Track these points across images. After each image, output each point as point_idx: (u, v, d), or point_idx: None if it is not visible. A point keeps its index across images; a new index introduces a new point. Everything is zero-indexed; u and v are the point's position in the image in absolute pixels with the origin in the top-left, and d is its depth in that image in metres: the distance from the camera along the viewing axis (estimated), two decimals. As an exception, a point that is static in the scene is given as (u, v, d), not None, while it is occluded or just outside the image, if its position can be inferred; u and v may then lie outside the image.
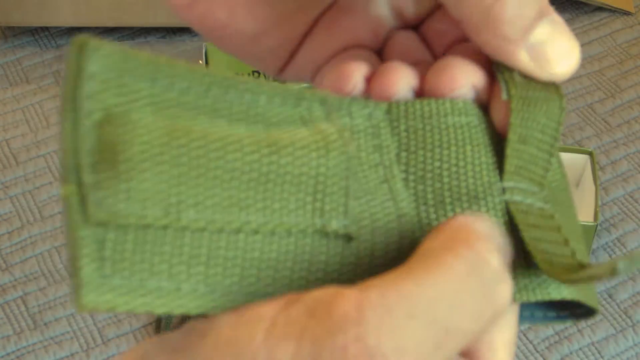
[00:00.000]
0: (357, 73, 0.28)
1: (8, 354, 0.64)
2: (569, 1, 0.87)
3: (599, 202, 0.66)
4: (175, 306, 0.22)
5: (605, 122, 0.78)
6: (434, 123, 0.27)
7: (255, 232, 0.24)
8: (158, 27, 0.85)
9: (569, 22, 0.86)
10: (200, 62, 0.82)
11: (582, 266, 0.25)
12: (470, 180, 0.27)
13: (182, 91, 0.24)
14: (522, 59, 0.27)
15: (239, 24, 0.30)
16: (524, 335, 0.64)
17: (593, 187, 0.67)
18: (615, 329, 0.64)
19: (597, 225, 0.65)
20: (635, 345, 0.64)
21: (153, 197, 0.22)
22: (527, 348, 0.63)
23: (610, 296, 0.66)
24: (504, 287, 0.24)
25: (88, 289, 0.21)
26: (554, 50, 0.28)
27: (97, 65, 0.22)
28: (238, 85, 0.25)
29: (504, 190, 0.27)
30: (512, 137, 0.27)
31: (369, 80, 0.28)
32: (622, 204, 0.72)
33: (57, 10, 0.82)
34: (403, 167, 0.27)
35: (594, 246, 0.69)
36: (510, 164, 0.27)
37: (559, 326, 0.64)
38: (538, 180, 0.28)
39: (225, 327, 0.21)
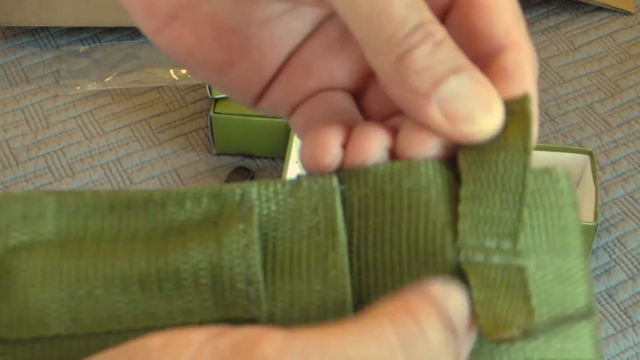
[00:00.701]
0: (333, 144, 0.27)
1: (8, 354, 0.64)
2: (569, 1, 0.87)
3: (599, 202, 0.66)
4: None
5: (605, 122, 0.78)
6: (387, 189, 0.26)
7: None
8: (158, 27, 0.85)
9: (569, 22, 0.86)
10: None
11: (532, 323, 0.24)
12: (421, 245, 0.26)
13: (88, 215, 0.26)
14: (432, 114, 0.25)
15: (207, 53, 0.30)
16: (524, 335, 0.64)
17: (593, 187, 0.67)
18: (615, 329, 0.64)
19: (597, 225, 0.65)
20: (636, 345, 0.64)
21: (43, 311, 0.25)
22: (527, 348, 0.63)
23: (610, 296, 0.66)
24: None
25: None
26: (466, 106, 0.25)
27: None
28: (142, 198, 0.26)
29: (458, 251, 0.25)
30: (464, 194, 0.26)
31: (344, 146, 0.27)
32: (622, 204, 0.72)
33: (57, 10, 0.82)
34: (356, 235, 0.26)
35: (594, 246, 0.69)
36: (464, 222, 0.26)
37: (559, 326, 0.64)
38: (507, 234, 0.26)
39: (154, 350, 0.21)
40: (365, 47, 0.26)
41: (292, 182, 0.27)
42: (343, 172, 0.27)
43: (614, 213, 0.71)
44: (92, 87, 0.81)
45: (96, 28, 0.85)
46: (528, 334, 0.24)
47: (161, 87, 0.81)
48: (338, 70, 0.31)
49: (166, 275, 0.25)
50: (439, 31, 0.26)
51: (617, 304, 0.66)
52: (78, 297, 0.25)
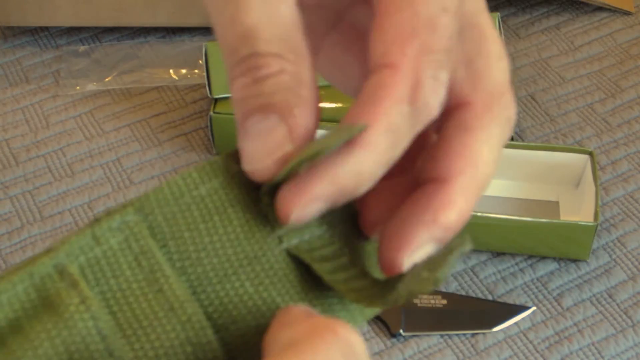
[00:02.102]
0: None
1: (8, 354, 0.64)
2: (569, 1, 0.87)
3: (599, 202, 0.66)
4: None
5: (606, 122, 0.78)
6: (188, 200, 0.26)
7: None
8: (158, 27, 0.85)
9: (569, 22, 0.86)
10: (200, 62, 0.82)
11: (376, 282, 0.25)
12: (245, 243, 0.26)
13: None
14: (239, 144, 0.26)
15: None
16: (524, 335, 0.64)
17: (593, 187, 0.67)
18: (615, 329, 0.64)
19: (597, 225, 0.65)
20: (636, 345, 0.64)
21: None
22: (527, 348, 0.63)
23: (610, 296, 0.66)
24: None
25: None
26: (252, 146, 0.26)
27: None
28: None
29: (280, 240, 0.26)
30: (264, 189, 0.26)
31: None
32: (623, 204, 0.72)
33: (56, 10, 0.82)
34: (177, 256, 0.25)
35: (594, 246, 0.69)
36: (270, 212, 0.26)
37: (559, 326, 0.64)
38: None
39: None
40: None
41: (90, 227, 0.25)
42: (139, 199, 0.26)
43: (614, 213, 0.71)
44: (91, 87, 0.81)
45: (96, 28, 0.85)
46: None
47: (161, 87, 0.81)
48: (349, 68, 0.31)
49: None
50: (268, 66, 0.25)
51: (617, 304, 0.66)
52: None
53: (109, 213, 0.26)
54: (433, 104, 0.26)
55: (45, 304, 0.24)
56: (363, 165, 0.25)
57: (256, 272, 0.25)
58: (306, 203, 0.25)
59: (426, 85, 0.25)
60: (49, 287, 0.24)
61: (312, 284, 0.26)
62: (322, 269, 0.26)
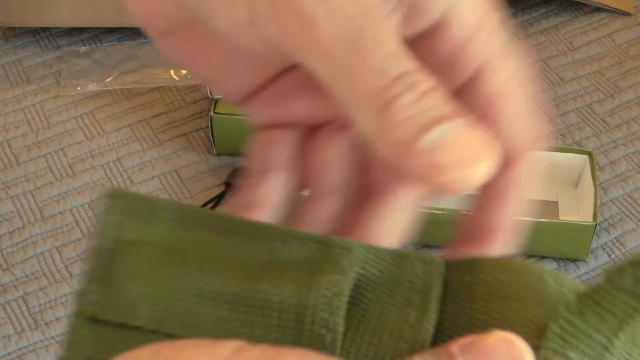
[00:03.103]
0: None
1: (9, 354, 0.64)
2: (568, 1, 0.87)
3: (598, 202, 0.66)
4: None
5: (605, 122, 0.78)
6: (484, 277, 0.26)
7: None
8: (158, 28, 0.85)
9: (568, 22, 0.86)
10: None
11: None
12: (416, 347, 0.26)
13: (198, 230, 0.27)
14: (416, 164, 0.24)
15: (198, 67, 0.31)
16: (524, 334, 0.64)
17: (592, 187, 0.67)
18: (614, 328, 0.65)
19: (596, 225, 0.65)
20: (634, 344, 0.64)
21: (137, 303, 0.26)
22: (526, 347, 0.64)
23: (609, 296, 0.67)
24: None
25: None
26: (452, 154, 0.24)
27: (119, 207, 0.27)
28: (252, 229, 0.27)
29: (537, 349, 0.25)
30: (570, 306, 0.26)
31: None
32: (621, 204, 0.72)
33: (57, 11, 0.82)
34: (449, 318, 0.26)
35: (593, 246, 0.69)
36: (557, 326, 0.26)
37: (558, 326, 0.65)
38: (591, 356, 0.26)
39: (181, 349, 0.22)
40: (346, 105, 0.25)
41: (399, 252, 0.27)
42: (451, 259, 0.27)
43: (613, 213, 0.71)
44: (92, 87, 0.81)
45: (97, 28, 0.85)
46: None
47: (161, 87, 0.81)
48: (304, 108, 0.31)
49: (254, 302, 0.25)
50: (425, 80, 0.24)
51: (616, 304, 0.66)
52: (173, 299, 0.26)
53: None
54: None
55: (315, 264, 0.26)
56: None
57: None
58: None
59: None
60: (333, 255, 0.26)
61: None
62: None
